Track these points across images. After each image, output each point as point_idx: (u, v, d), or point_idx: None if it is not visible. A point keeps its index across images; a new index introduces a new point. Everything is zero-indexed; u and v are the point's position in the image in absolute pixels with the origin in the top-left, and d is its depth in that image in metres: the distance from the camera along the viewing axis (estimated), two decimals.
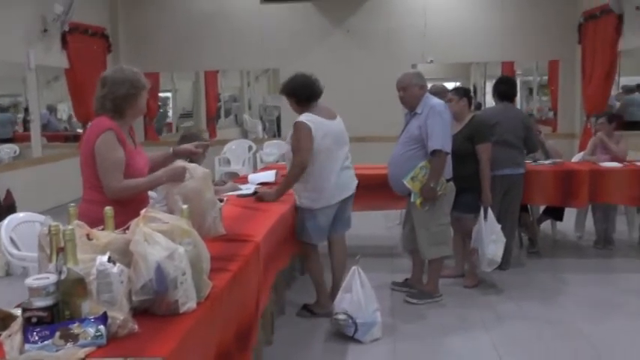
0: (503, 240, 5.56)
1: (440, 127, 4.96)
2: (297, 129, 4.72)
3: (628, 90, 11.20)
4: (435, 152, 4.94)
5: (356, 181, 5.09)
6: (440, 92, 5.95)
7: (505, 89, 6.23)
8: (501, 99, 6.19)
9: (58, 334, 1.98)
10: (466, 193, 5.47)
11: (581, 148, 9.13)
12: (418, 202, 5.03)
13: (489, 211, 5.55)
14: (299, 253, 5.15)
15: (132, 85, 3.42)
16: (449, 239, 5.40)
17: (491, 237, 5.48)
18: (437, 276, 5.44)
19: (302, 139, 4.67)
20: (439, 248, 5.28)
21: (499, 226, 5.56)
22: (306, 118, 4.73)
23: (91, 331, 1.99)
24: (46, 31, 9.37)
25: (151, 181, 3.44)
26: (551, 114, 12.08)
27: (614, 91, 10.54)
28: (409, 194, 5.16)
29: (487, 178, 5.55)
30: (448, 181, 5.17)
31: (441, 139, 4.94)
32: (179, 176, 3.31)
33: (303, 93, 4.83)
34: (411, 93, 5.12)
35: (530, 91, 13.95)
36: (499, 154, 5.74)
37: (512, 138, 5.92)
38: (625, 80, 11.00)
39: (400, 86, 5.18)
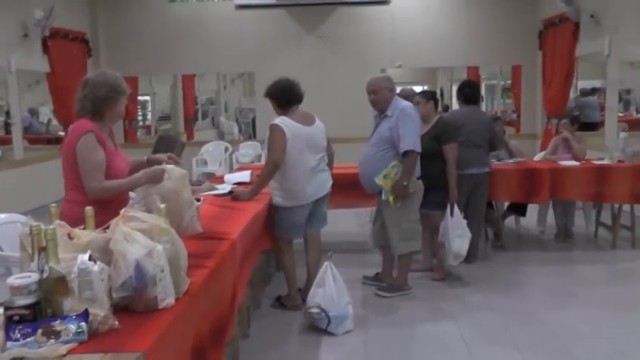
0: (468, 235, 5.61)
1: (411, 128, 5.02)
2: (271, 130, 4.79)
3: (584, 93, 11.37)
4: (407, 153, 4.99)
5: (331, 182, 5.13)
6: (409, 96, 6.00)
7: (469, 92, 6.31)
8: (466, 102, 6.26)
9: (40, 331, 1.96)
10: (434, 191, 5.50)
11: (543, 147, 9.24)
12: (391, 199, 5.05)
13: (455, 207, 5.59)
14: (273, 249, 5.15)
15: (112, 88, 3.40)
16: (418, 235, 5.42)
17: (457, 232, 5.53)
18: (406, 270, 5.46)
19: (275, 140, 4.75)
20: (409, 243, 5.31)
21: (465, 222, 5.61)
22: (280, 120, 4.79)
23: (73, 327, 1.97)
24: (27, 36, 9.25)
25: (131, 181, 3.42)
26: (514, 116, 12.20)
27: (572, 94, 10.67)
28: (380, 192, 5.18)
29: (453, 177, 5.59)
30: (417, 179, 5.21)
31: (413, 140, 5.00)
32: (158, 178, 3.29)
33: (283, 96, 4.89)
34: (381, 96, 5.14)
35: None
36: (466, 154, 5.80)
37: (478, 139, 5.98)
38: (582, 84, 11.16)
39: (371, 89, 5.19)
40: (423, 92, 5.99)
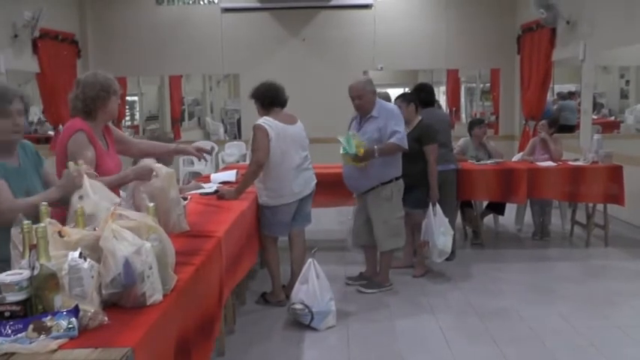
0: (451, 232, 5.67)
1: (401, 127, 5.13)
2: (255, 131, 4.83)
3: (562, 96, 11.45)
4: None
5: (315, 181, 5.15)
6: (384, 98, 6.07)
7: (425, 96, 6.21)
8: (424, 105, 6.11)
9: (31, 327, 1.95)
10: (415, 190, 5.54)
11: (521, 149, 9.30)
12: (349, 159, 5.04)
13: (437, 206, 5.63)
14: (260, 247, 5.16)
15: (102, 88, 3.43)
16: (403, 231, 5.47)
17: (440, 230, 5.57)
18: (388, 267, 5.51)
19: (258, 140, 4.78)
20: (395, 240, 5.38)
21: (447, 220, 5.66)
22: (263, 121, 4.82)
23: (64, 323, 1.97)
24: (17, 37, 9.17)
25: (119, 178, 3.41)
26: (493, 118, 12.26)
27: (550, 98, 10.74)
28: (364, 192, 5.26)
29: (434, 176, 5.63)
30: (397, 179, 5.26)
31: (402, 138, 5.09)
32: (146, 175, 3.29)
33: (267, 97, 4.91)
34: (366, 99, 5.14)
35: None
36: None
37: (441, 138, 5.94)
38: (558, 87, 11.25)
39: (355, 94, 5.16)
40: (402, 96, 5.96)
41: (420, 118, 5.78)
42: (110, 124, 3.80)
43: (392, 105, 5.29)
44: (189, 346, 2.68)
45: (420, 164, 5.59)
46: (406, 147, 5.16)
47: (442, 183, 5.93)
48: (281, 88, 4.98)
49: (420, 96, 6.17)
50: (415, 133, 5.61)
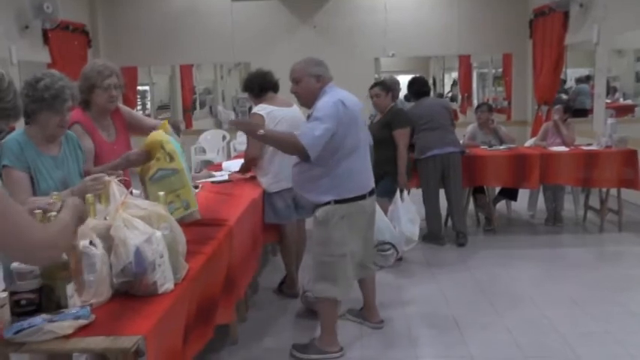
0: (418, 220, 5.61)
1: (315, 124, 3.68)
2: (251, 120, 4.75)
3: (578, 80, 11.37)
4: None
5: None
6: (393, 83, 6.28)
7: (418, 88, 6.55)
8: (417, 97, 6.48)
9: (43, 315, 1.99)
10: (385, 177, 5.54)
11: (533, 134, 9.24)
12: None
13: (405, 192, 5.61)
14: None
15: (87, 78, 3.41)
16: (342, 279, 3.86)
17: (407, 216, 5.47)
18: (325, 323, 3.97)
19: None
20: (323, 286, 3.87)
21: (414, 207, 5.62)
22: (258, 109, 4.76)
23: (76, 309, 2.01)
24: (28, 28, 9.21)
25: (108, 167, 3.25)
26: (505, 103, 12.20)
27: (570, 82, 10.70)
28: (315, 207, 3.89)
29: (403, 163, 5.71)
30: (340, 201, 3.79)
31: (309, 136, 3.65)
32: (135, 162, 3.27)
33: (256, 86, 4.89)
34: (304, 86, 3.89)
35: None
36: (427, 138, 6.16)
37: (437, 122, 6.19)
38: (571, 72, 11.16)
39: (292, 77, 3.91)
40: (381, 84, 6.09)
41: (392, 104, 5.95)
42: (122, 106, 3.75)
43: (335, 98, 3.80)
44: (189, 330, 2.69)
45: (390, 151, 5.69)
46: (311, 151, 3.62)
47: (445, 167, 6.14)
48: (268, 72, 4.93)
49: (413, 89, 6.53)
50: (385, 119, 5.77)
